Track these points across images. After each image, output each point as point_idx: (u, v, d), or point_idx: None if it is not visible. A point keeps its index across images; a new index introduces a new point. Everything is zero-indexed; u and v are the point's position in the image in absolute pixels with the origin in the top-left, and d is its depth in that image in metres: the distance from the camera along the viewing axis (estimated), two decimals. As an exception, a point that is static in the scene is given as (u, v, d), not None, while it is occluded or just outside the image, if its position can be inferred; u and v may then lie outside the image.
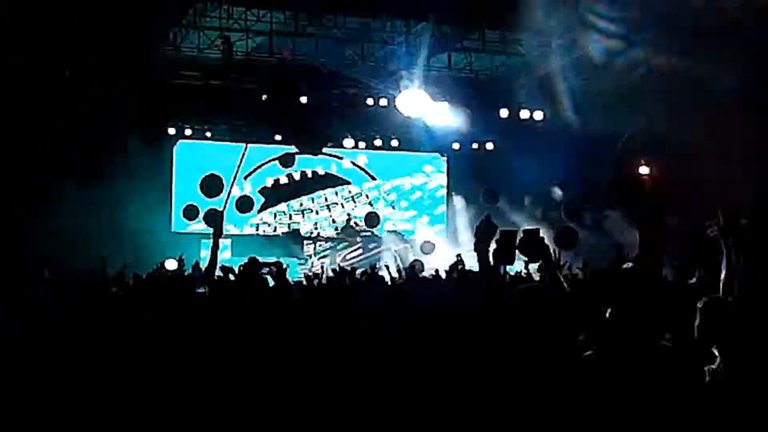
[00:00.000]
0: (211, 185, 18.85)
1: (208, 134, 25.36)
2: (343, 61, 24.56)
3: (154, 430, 6.57)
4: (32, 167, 21.44)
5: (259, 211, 26.77)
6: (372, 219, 19.08)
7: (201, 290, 10.96)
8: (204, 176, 18.65)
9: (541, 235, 5.93)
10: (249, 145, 26.16)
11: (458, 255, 17.17)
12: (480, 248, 6.01)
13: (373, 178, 28.33)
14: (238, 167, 24.31)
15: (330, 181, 27.91)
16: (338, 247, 26.96)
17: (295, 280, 14.96)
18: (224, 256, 18.76)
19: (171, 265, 16.32)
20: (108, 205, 21.69)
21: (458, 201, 27.57)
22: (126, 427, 6.54)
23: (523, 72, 25.78)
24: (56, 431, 6.53)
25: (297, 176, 27.49)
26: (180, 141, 25.12)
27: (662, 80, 20.99)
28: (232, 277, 11.06)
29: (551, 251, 5.93)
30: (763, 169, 18.73)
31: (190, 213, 20.31)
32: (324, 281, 14.23)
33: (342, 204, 27.80)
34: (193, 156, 25.40)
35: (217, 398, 6.54)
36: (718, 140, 20.71)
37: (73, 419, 6.58)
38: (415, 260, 21.33)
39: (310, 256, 26.79)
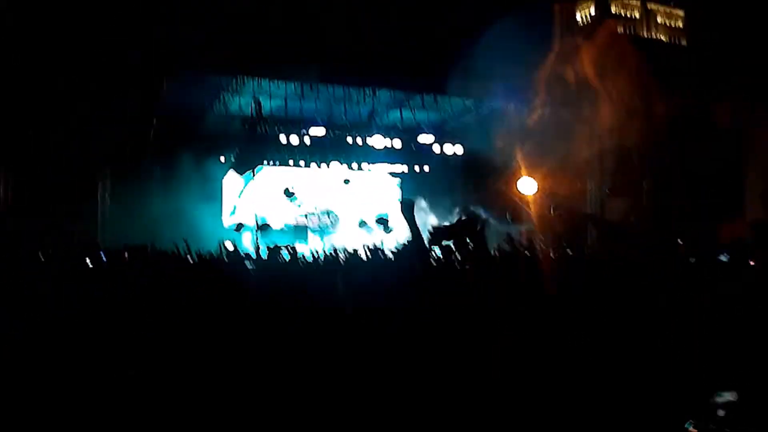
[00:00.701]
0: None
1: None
2: (333, 114, 25.25)
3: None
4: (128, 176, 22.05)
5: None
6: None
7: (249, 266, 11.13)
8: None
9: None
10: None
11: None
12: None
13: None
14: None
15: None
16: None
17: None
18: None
19: (229, 246, 16.53)
20: (175, 205, 21.62)
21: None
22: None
23: (448, 121, 26.47)
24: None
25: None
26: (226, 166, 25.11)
27: (545, 124, 21.78)
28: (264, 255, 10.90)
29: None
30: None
31: (239, 228, 20.64)
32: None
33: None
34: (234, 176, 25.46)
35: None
36: (579, 162, 21.80)
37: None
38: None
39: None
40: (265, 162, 25.69)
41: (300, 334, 4.76)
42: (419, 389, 3.84)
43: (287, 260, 9.08)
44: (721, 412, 2.61)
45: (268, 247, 10.46)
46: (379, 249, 10.29)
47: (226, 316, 5.63)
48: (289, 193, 20.66)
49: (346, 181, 26.10)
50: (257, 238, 16.37)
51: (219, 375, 4.55)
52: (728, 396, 2.67)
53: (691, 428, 2.57)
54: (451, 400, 3.61)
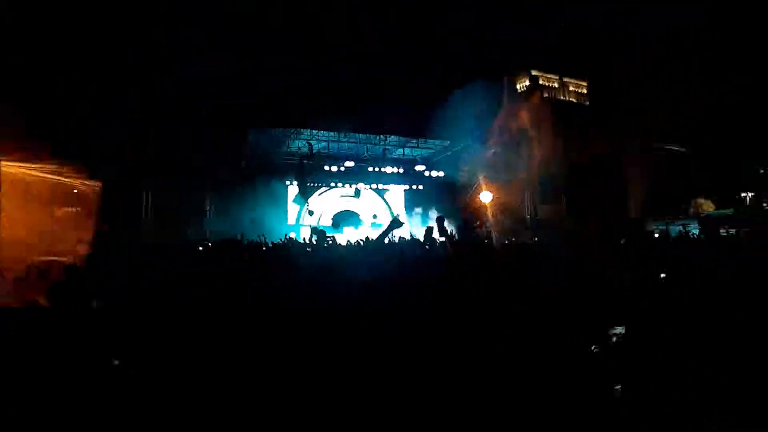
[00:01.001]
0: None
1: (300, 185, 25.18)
2: (360, 151, 25.24)
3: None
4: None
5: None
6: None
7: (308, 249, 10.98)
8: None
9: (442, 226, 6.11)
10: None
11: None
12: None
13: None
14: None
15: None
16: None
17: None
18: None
19: (293, 236, 16.38)
20: (256, 213, 21.24)
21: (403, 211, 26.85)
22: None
23: (435, 155, 26.38)
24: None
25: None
26: (289, 187, 24.98)
27: (497, 158, 21.84)
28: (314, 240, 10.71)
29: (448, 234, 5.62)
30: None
31: (311, 212, 20.69)
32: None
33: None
34: (293, 193, 25.20)
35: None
36: (519, 181, 21.77)
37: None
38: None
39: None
40: (315, 184, 25.55)
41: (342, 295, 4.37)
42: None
43: (330, 244, 8.97)
44: (614, 339, 2.65)
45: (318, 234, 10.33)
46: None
47: (290, 281, 5.30)
48: (311, 212, 21.05)
49: (357, 192, 25.93)
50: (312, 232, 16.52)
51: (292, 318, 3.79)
52: (619, 330, 2.71)
53: (595, 348, 2.62)
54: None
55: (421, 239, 6.56)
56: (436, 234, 5.70)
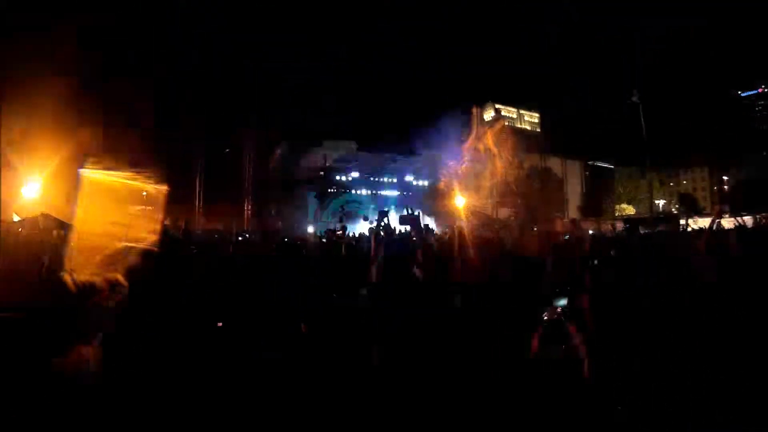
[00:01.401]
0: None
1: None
2: (362, 164, 25.02)
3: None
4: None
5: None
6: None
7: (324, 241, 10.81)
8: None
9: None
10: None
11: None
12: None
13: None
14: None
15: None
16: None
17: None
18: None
19: (311, 230, 16.33)
20: (285, 210, 21.33)
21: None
22: None
23: (421, 167, 26.25)
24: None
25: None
26: (310, 193, 24.71)
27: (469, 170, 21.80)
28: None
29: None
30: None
31: (335, 215, 20.88)
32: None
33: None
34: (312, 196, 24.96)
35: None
36: (485, 189, 21.71)
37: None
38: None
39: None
40: (330, 190, 25.40)
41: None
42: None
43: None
44: (558, 309, 2.70)
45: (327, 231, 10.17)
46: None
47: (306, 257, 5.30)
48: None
49: (365, 199, 25.74)
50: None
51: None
52: (562, 301, 2.76)
53: (545, 315, 2.65)
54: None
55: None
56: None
